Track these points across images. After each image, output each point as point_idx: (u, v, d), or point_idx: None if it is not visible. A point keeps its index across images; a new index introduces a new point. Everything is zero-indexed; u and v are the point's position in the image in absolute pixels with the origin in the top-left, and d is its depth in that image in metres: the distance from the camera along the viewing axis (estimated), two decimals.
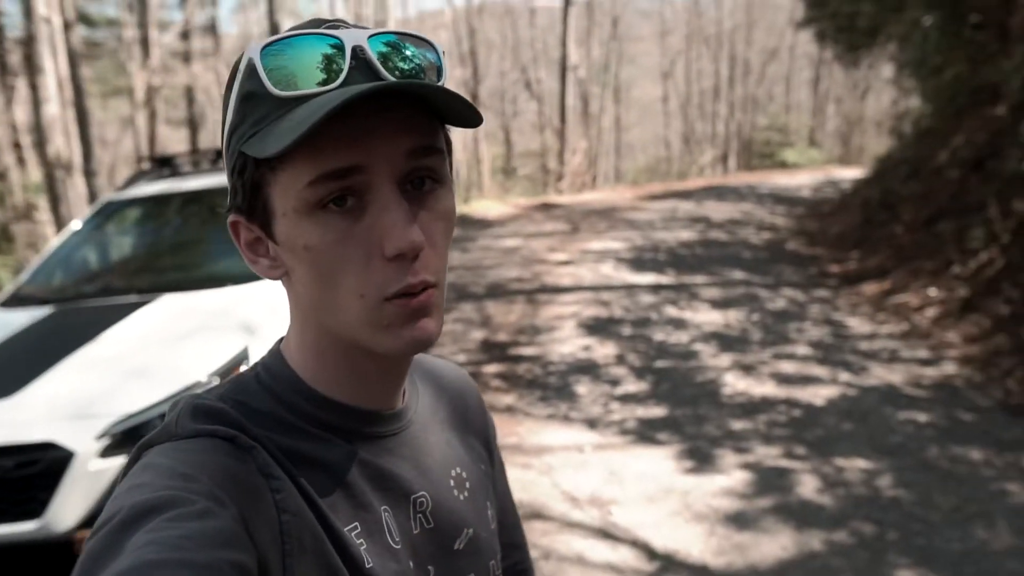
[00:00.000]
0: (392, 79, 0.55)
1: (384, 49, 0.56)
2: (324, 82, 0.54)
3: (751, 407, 4.46)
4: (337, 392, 0.62)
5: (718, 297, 7.29)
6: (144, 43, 15.27)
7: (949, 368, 5.00)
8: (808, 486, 3.48)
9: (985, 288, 5.87)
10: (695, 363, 5.35)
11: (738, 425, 4.20)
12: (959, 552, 2.91)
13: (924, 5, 8.05)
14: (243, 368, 2.71)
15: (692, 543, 3.03)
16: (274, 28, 10.58)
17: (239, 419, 0.58)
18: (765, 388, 4.78)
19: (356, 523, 0.60)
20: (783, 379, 4.94)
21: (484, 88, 25.61)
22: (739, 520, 3.20)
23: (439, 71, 0.59)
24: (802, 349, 5.58)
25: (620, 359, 5.53)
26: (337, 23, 0.58)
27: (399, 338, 0.57)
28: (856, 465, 3.66)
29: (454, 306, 7.17)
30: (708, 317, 6.57)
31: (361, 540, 0.60)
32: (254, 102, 0.55)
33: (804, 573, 2.82)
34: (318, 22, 0.58)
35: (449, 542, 0.67)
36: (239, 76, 0.56)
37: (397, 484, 0.64)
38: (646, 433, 4.16)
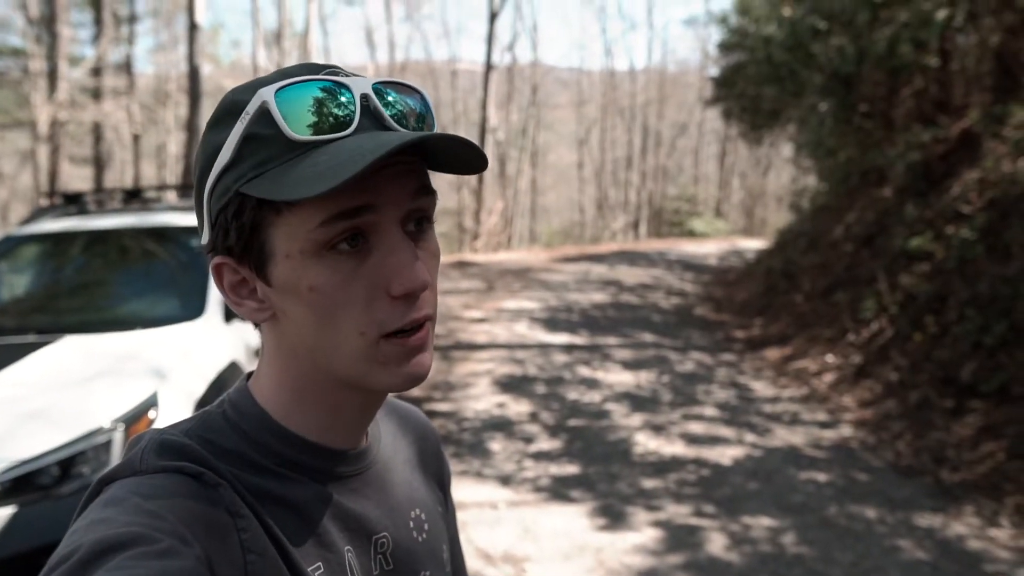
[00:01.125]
0: (397, 127, 0.57)
1: (382, 97, 0.58)
2: (336, 128, 0.55)
3: (662, 466, 4.55)
4: (308, 431, 0.62)
5: (629, 358, 7.46)
6: (52, 76, 14.72)
7: (845, 431, 5.25)
8: (717, 543, 3.56)
9: (876, 356, 6.24)
10: (607, 422, 5.44)
11: (649, 483, 4.27)
12: None
13: (820, 92, 8.70)
14: (151, 415, 2.59)
15: None
16: (194, 71, 10.40)
17: (206, 456, 0.57)
18: (675, 448, 4.89)
19: (320, 563, 0.59)
20: (692, 439, 5.07)
21: None
22: None
23: (421, 117, 0.61)
24: (710, 410, 5.76)
25: (534, 417, 5.56)
26: (333, 68, 0.58)
27: (396, 375, 0.58)
28: (761, 523, 3.77)
29: None
30: (620, 378, 6.70)
31: None
32: (259, 143, 0.55)
33: None
34: (315, 68, 0.58)
35: None
36: (246, 117, 0.55)
37: (360, 524, 0.64)
38: (560, 490, 4.17)
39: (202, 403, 2.74)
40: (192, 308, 3.26)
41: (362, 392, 0.61)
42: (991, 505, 3.97)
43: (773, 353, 7.55)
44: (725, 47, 12.66)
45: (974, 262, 5.71)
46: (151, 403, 2.62)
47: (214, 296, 3.33)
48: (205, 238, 0.60)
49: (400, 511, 0.69)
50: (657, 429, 5.28)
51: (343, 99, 0.56)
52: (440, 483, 0.80)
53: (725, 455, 4.75)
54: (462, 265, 15.45)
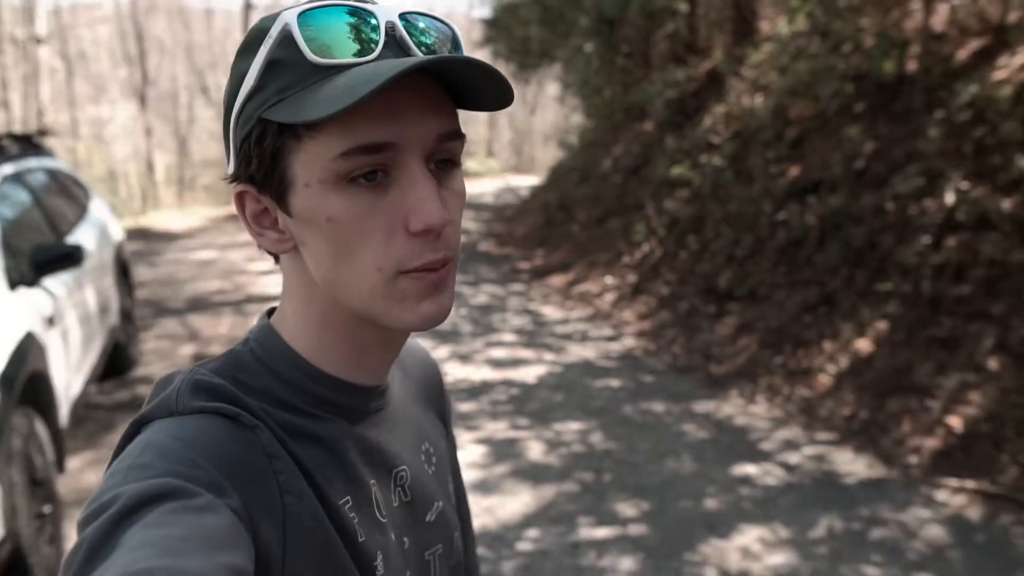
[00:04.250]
0: (421, 55, 0.55)
1: (411, 25, 0.57)
2: (359, 53, 0.54)
3: (474, 391, 4.83)
4: (335, 368, 0.62)
5: None
6: None
7: (629, 342, 5.88)
8: (535, 450, 3.91)
9: (649, 274, 6.97)
10: None
11: (465, 407, 4.52)
12: (660, 482, 3.53)
13: (587, 34, 9.27)
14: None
15: None
16: None
17: (239, 396, 0.57)
18: (483, 373, 5.19)
19: (348, 497, 0.60)
20: (497, 364, 5.40)
21: (153, 92, 23.47)
22: (483, 487, 3.50)
23: (455, 43, 0.60)
24: (508, 336, 6.14)
25: None
26: None
27: (414, 312, 0.57)
28: (571, 428, 4.19)
29: (153, 323, 6.60)
30: None
31: (353, 514, 0.60)
32: (282, 69, 0.54)
33: (546, 521, 3.20)
34: None
35: (422, 515, 0.69)
36: (268, 42, 0.54)
37: (383, 459, 0.65)
38: None
39: (3, 380, 2.48)
40: None
41: (380, 329, 0.60)
42: (749, 387, 4.72)
43: (557, 280, 8.13)
44: None
45: (724, 186, 6.54)
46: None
47: None
48: (231, 168, 0.60)
49: (414, 444, 0.71)
50: (464, 358, 5.54)
51: (368, 25, 0.55)
52: (442, 417, 0.80)
53: (529, 374, 5.13)
54: (237, 218, 14.60)
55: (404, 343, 0.66)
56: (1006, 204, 4.25)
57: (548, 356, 5.55)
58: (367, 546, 0.60)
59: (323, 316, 0.61)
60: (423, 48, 0.57)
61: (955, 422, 3.85)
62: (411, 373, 0.77)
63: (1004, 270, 4.16)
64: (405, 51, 0.56)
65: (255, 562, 0.50)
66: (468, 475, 3.60)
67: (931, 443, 3.82)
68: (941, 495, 3.42)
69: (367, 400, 0.65)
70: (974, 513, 3.26)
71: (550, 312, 6.94)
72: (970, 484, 3.46)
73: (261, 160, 0.56)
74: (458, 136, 0.58)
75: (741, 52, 7.06)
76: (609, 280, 7.39)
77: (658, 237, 7.14)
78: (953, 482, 3.50)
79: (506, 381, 5.01)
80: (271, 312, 0.66)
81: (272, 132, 0.55)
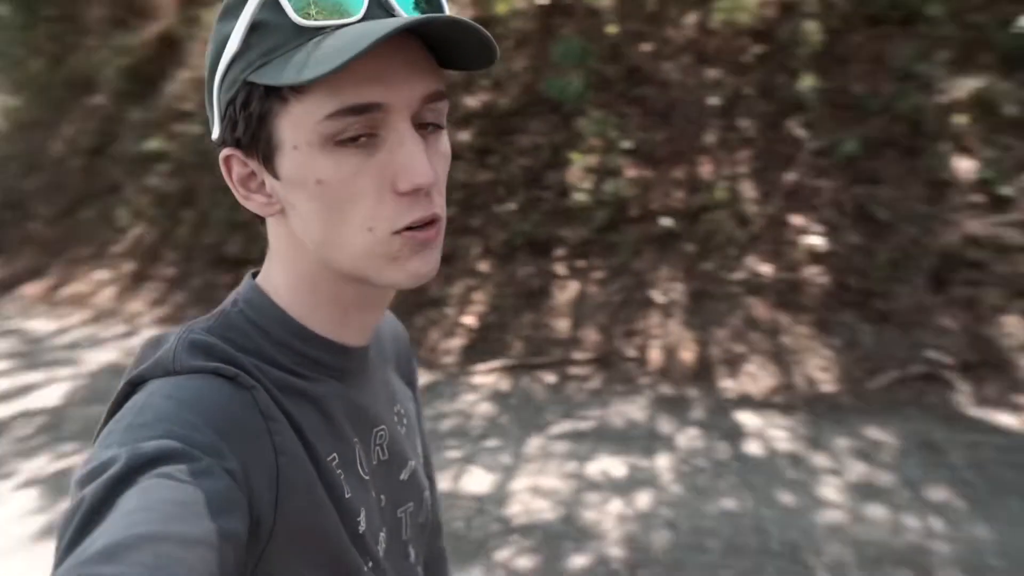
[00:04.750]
0: (405, 15, 0.56)
1: None
2: (344, 15, 0.54)
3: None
4: (323, 328, 0.63)
5: None
6: None
7: (153, 332, 5.48)
8: None
9: (148, 257, 6.51)
10: None
11: None
12: None
13: None
14: None
15: None
16: None
17: (235, 355, 0.57)
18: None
19: (335, 454, 0.61)
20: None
21: None
22: (48, 535, 3.04)
23: (437, 3, 0.60)
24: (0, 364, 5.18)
25: None
26: None
27: (404, 270, 0.58)
28: None
29: None
30: None
31: (340, 471, 0.61)
32: (266, 31, 0.54)
33: None
34: None
35: (397, 473, 0.71)
36: (252, 4, 0.54)
37: (366, 417, 0.67)
38: None
39: None
40: None
41: (368, 287, 0.61)
42: None
43: (33, 289, 7.01)
44: None
45: (210, 153, 6.38)
46: None
47: None
48: (216, 132, 0.59)
49: (389, 405, 0.73)
50: None
51: None
52: (409, 382, 0.83)
53: (50, 397, 4.47)
54: None
55: (387, 304, 0.68)
56: (465, 136, 5.17)
57: (64, 372, 4.88)
58: (352, 502, 0.62)
59: (311, 277, 0.62)
60: (407, 5, 0.57)
61: (469, 320, 4.68)
62: (384, 338, 0.78)
63: (474, 190, 5.09)
64: (388, 11, 0.56)
65: (247, 521, 0.51)
66: (27, 528, 3.09)
67: (456, 343, 4.58)
68: (477, 379, 4.18)
69: (353, 360, 0.66)
70: (504, 385, 4.09)
71: (40, 325, 6.01)
72: (494, 364, 4.30)
73: (247, 123, 0.56)
74: (443, 97, 0.58)
75: (194, 13, 6.85)
76: (102, 275, 6.67)
77: (148, 217, 6.67)
78: (482, 367, 4.30)
79: (24, 412, 4.28)
80: (255, 274, 0.66)
81: (258, 95, 0.55)
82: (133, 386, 0.57)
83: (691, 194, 4.76)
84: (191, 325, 0.61)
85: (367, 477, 0.66)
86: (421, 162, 0.55)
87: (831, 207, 4.43)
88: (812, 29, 4.90)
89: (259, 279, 0.66)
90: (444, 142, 0.61)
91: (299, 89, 0.53)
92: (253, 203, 0.61)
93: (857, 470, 3.14)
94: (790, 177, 4.56)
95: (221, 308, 0.64)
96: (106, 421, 0.55)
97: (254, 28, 0.55)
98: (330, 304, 0.63)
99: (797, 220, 4.46)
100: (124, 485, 0.46)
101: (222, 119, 0.58)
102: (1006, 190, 4.13)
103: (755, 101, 4.91)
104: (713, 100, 4.94)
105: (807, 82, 4.76)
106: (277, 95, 0.55)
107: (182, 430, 0.51)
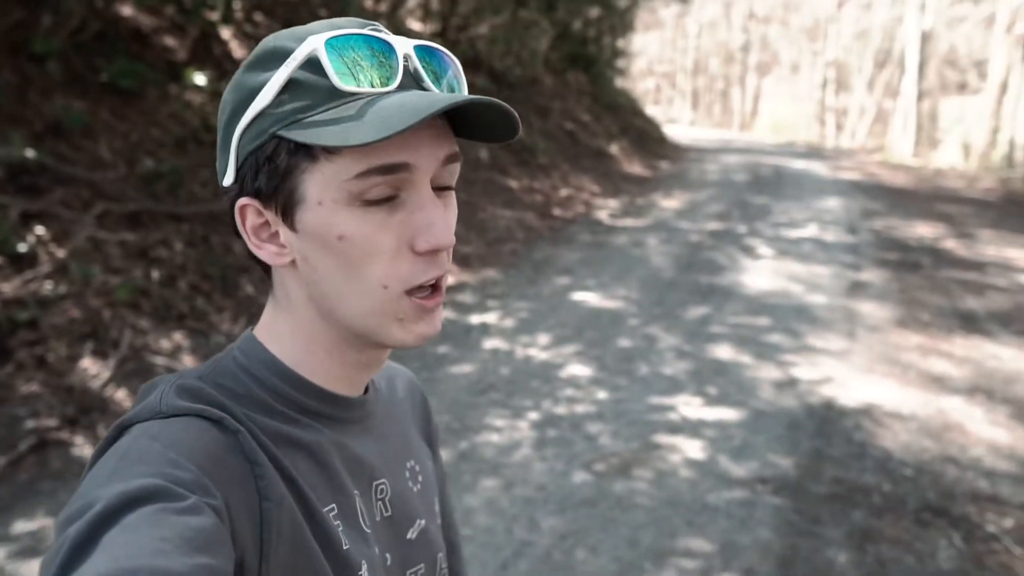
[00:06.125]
0: (433, 88, 0.58)
1: (423, 58, 0.59)
2: (380, 83, 0.56)
3: None
4: (316, 377, 0.63)
5: None
6: None
7: None
8: None
9: None
10: None
11: None
12: None
13: None
14: None
15: None
16: None
17: (223, 400, 0.57)
18: None
19: (333, 505, 0.60)
20: None
21: None
22: None
23: (453, 83, 0.61)
24: None
25: None
26: (376, 25, 0.59)
27: (410, 332, 0.59)
28: None
29: None
30: None
31: (338, 522, 0.60)
32: (303, 90, 0.55)
33: None
34: (361, 23, 0.59)
35: (403, 531, 0.68)
36: (292, 63, 0.55)
37: (364, 469, 0.65)
38: None
39: None
40: None
41: (371, 345, 0.62)
42: None
43: None
44: None
45: None
46: None
47: None
48: (229, 179, 0.59)
49: (397, 460, 0.71)
50: None
51: (388, 56, 0.57)
52: (428, 440, 0.81)
53: None
54: None
55: (385, 359, 0.68)
56: None
57: None
58: (352, 554, 0.60)
59: (312, 329, 0.62)
60: (433, 79, 0.59)
61: None
62: (398, 393, 0.78)
63: None
64: (418, 82, 0.58)
65: (233, 560, 0.50)
66: None
67: None
68: None
69: (348, 410, 0.65)
70: None
71: None
72: None
73: (271, 176, 0.57)
74: (458, 158, 0.60)
75: None
76: None
77: None
78: None
79: None
80: (254, 327, 0.66)
81: (286, 150, 0.55)
82: (121, 430, 0.55)
83: None
84: (185, 372, 0.60)
85: (368, 531, 0.64)
86: (444, 225, 0.57)
87: None
88: None
89: (257, 328, 0.65)
90: (453, 203, 0.62)
91: (332, 149, 0.54)
92: (264, 252, 0.60)
93: None
94: None
95: (216, 356, 0.63)
96: (92, 464, 0.53)
97: (290, 85, 0.56)
98: (327, 356, 0.63)
99: None
100: (108, 524, 0.45)
101: (239, 168, 0.59)
102: (22, 247, 4.04)
103: None
104: None
105: None
106: (307, 152, 0.55)
107: (166, 469, 0.50)
